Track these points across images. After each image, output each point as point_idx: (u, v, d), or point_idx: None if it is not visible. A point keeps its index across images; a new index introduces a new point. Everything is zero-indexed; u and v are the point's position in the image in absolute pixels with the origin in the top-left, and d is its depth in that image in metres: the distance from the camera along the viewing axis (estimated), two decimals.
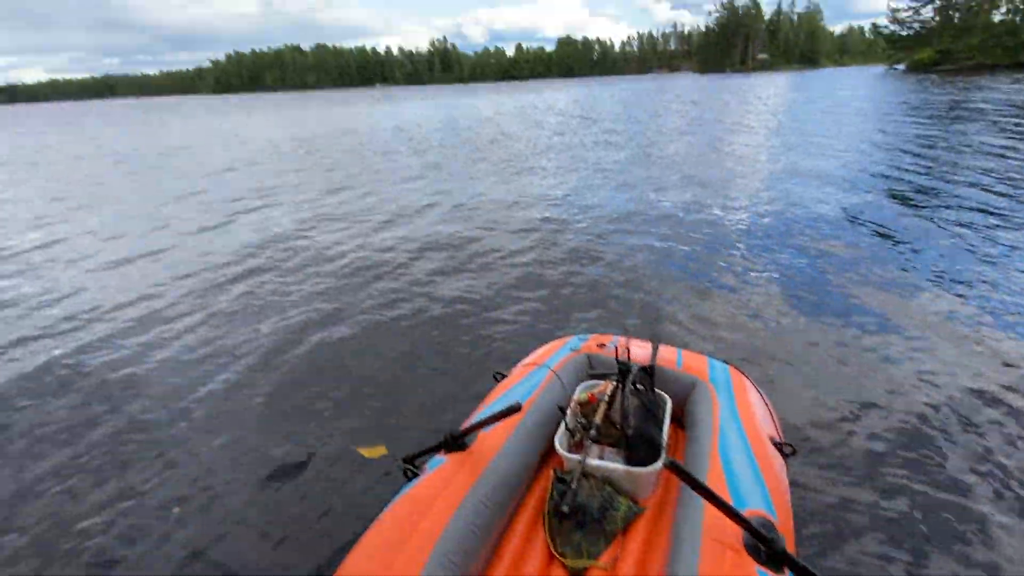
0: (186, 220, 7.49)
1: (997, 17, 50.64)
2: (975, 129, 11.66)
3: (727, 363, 2.03)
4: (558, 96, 42.02)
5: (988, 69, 42.95)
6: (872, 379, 2.86)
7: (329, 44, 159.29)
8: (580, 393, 1.82)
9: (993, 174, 7.42)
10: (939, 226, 5.54)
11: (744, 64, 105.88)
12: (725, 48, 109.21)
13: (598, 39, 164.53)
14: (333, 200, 8.15)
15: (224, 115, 39.14)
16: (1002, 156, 8.62)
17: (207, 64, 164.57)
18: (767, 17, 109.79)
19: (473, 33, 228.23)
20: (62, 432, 2.82)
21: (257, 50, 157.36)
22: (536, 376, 1.87)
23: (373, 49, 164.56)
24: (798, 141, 12.31)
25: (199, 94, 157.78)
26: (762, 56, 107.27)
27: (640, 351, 1.97)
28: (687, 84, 53.76)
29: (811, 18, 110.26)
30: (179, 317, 4.18)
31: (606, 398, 1.70)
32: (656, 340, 2.04)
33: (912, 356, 3.10)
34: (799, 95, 29.08)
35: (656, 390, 1.78)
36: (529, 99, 38.87)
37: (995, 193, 6.47)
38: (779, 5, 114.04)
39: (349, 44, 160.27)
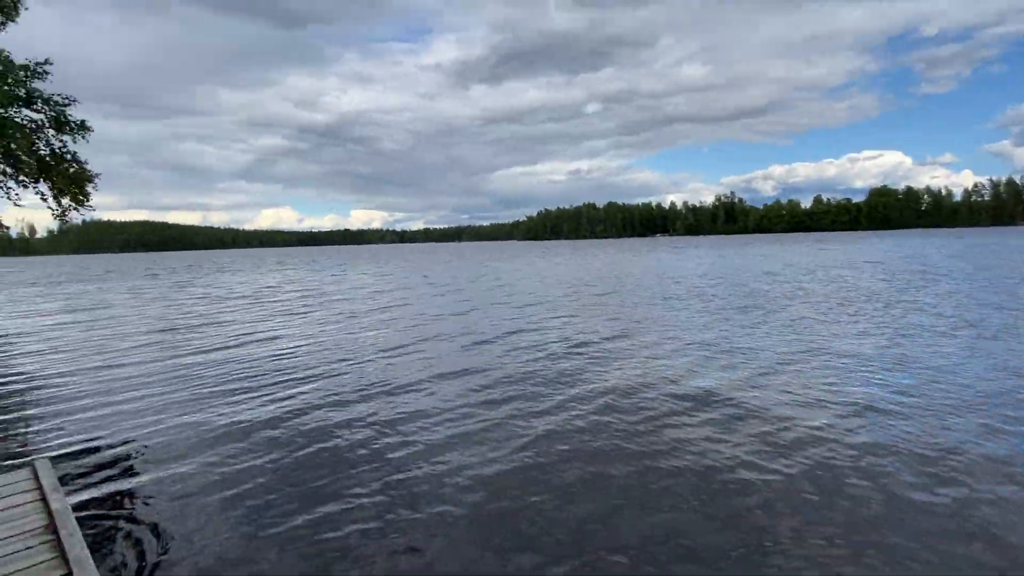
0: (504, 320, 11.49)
1: None
2: None
3: None
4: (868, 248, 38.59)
5: None
6: None
7: (619, 201, 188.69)
8: None
9: None
10: None
11: None
12: None
13: (928, 187, 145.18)
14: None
15: (527, 253, 56.67)
16: None
17: (523, 218, 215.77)
18: None
19: (763, 187, 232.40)
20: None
21: (561, 207, 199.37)
22: None
23: (658, 204, 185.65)
24: None
25: (513, 239, 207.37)
26: None
27: None
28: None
29: None
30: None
31: None
32: None
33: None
34: None
35: None
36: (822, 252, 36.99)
37: None
38: None
39: (637, 201, 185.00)
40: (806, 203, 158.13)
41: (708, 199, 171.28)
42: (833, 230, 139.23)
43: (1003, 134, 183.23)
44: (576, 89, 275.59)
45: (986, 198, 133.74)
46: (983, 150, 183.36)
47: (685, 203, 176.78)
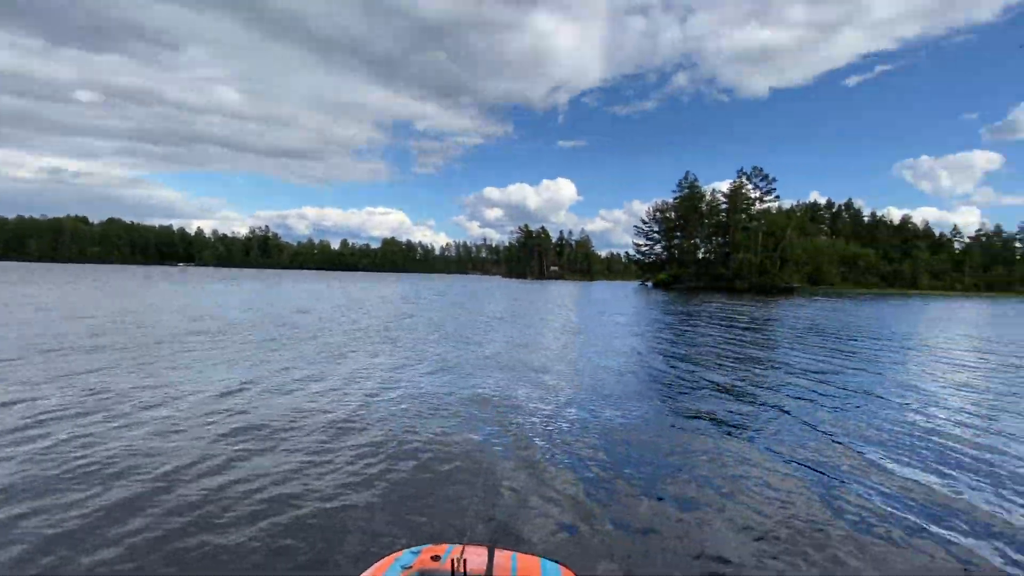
0: None
1: (701, 255, 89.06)
2: (700, 325, 20.80)
3: (559, 564, 2.25)
4: (389, 289, 47.45)
5: (703, 288, 71.03)
6: (690, 558, 3.39)
7: (127, 219, 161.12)
8: None
9: (719, 359, 12.30)
10: (705, 398, 8.12)
11: (541, 273, 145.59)
12: (526, 259, 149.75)
13: (420, 242, 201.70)
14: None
15: None
16: (716, 339, 15.75)
17: None
18: (554, 240, 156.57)
19: (298, 225, 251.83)
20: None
21: (29, 216, 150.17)
22: None
23: (182, 229, 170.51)
24: (592, 335, 16.47)
25: None
26: (554, 268, 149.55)
27: (476, 559, 2.10)
28: (498, 284, 72.96)
29: (584, 244, 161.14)
30: None
31: None
32: (492, 545, 2.21)
33: (730, 524, 3.91)
34: (584, 295, 47.09)
35: None
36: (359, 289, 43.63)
37: (726, 372, 10.59)
38: (561, 233, 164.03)
39: (153, 222, 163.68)
40: (335, 244, 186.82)
41: (242, 231, 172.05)
42: (356, 270, 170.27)
43: (461, 211, 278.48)
44: (61, 65, 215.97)
45: (454, 254, 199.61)
46: (451, 220, 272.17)
47: (215, 232, 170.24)
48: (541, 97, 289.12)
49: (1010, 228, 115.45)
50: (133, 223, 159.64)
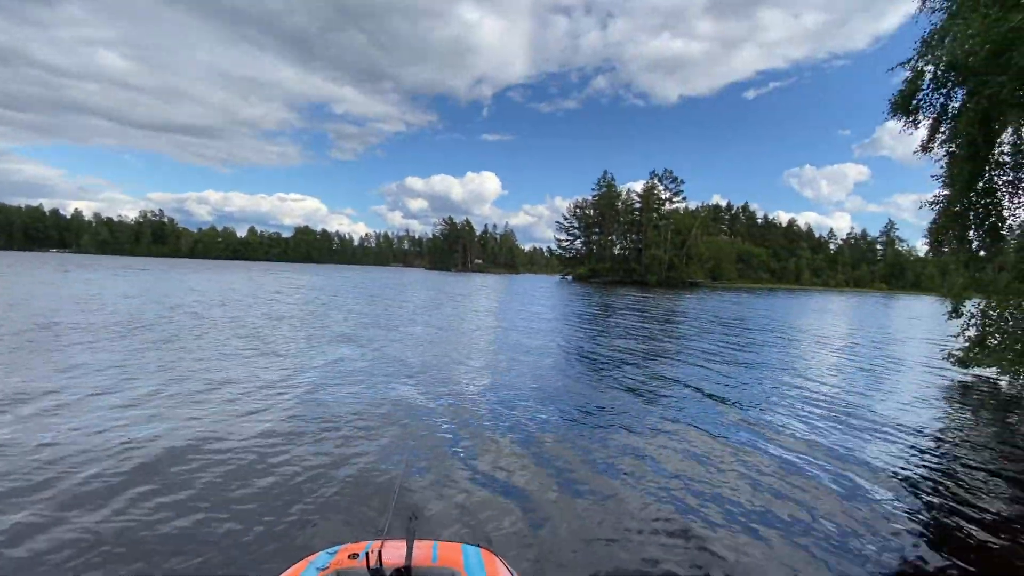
0: None
1: (617, 251, 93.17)
2: (618, 314, 23.59)
3: (480, 547, 2.30)
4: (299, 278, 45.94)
5: (618, 282, 78.85)
6: (607, 546, 3.51)
7: None
8: None
9: (636, 340, 14.16)
10: (615, 388, 8.39)
11: (464, 265, 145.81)
12: (449, 252, 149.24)
13: (337, 232, 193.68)
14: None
15: None
16: (630, 333, 16.34)
17: None
18: (478, 233, 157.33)
19: (198, 210, 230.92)
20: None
21: None
22: None
23: (55, 211, 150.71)
24: (514, 321, 17.69)
25: None
26: (478, 261, 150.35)
27: (396, 552, 2.06)
28: (421, 276, 74.56)
29: (508, 238, 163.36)
30: None
31: None
32: (411, 536, 2.10)
33: (645, 513, 4.05)
34: (508, 287, 49.93)
35: None
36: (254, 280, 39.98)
37: (635, 358, 11.39)
38: (485, 226, 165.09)
39: (18, 201, 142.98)
40: (242, 232, 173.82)
41: (131, 214, 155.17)
42: (266, 260, 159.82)
43: (382, 200, 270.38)
44: None
45: (373, 245, 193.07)
46: (371, 209, 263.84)
47: (97, 215, 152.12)
48: (465, 88, 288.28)
49: (873, 232, 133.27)
50: None
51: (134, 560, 3.31)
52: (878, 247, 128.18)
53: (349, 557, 2.13)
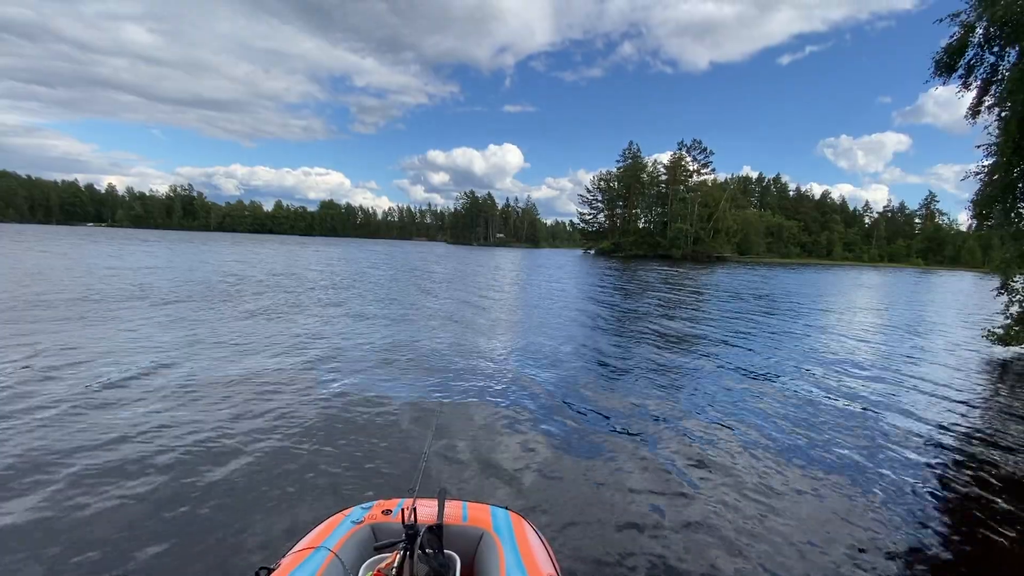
0: None
1: (641, 224, 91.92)
2: (642, 288, 23.09)
3: (508, 509, 2.34)
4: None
5: (642, 256, 76.81)
6: (630, 509, 3.60)
7: (22, 173, 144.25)
8: (366, 573, 1.87)
9: (660, 317, 13.56)
10: (648, 360, 8.25)
11: (486, 239, 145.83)
12: (470, 226, 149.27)
13: (361, 206, 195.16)
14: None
15: None
16: (656, 307, 16.15)
17: None
18: (500, 207, 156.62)
19: (226, 184, 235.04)
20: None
21: None
22: (313, 562, 1.84)
23: (90, 186, 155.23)
24: (539, 298, 17.06)
25: None
26: (499, 235, 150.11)
27: (427, 510, 2.15)
28: (444, 251, 75.14)
29: (530, 212, 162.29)
30: None
31: (393, 573, 1.79)
32: (442, 496, 2.21)
33: (662, 484, 4.04)
34: (531, 262, 48.94)
35: (445, 551, 1.97)
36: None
37: (660, 331, 11.40)
38: (507, 200, 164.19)
39: (54, 177, 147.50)
40: (268, 207, 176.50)
41: (161, 188, 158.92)
42: (292, 234, 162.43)
43: (404, 174, 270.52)
44: None
45: (396, 219, 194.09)
46: (394, 183, 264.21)
47: (130, 189, 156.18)
48: (487, 58, 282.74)
49: (912, 205, 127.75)
50: (30, 177, 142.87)
51: (175, 507, 3.54)
52: (916, 220, 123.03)
53: (383, 512, 2.22)
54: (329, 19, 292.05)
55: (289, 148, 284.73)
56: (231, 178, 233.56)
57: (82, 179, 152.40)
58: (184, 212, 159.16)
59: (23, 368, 6.51)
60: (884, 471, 4.89)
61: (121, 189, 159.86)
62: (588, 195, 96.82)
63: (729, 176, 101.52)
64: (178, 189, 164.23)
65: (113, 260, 24.30)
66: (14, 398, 5.52)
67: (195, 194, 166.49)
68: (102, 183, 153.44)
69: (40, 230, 77.94)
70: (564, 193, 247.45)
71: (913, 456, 5.33)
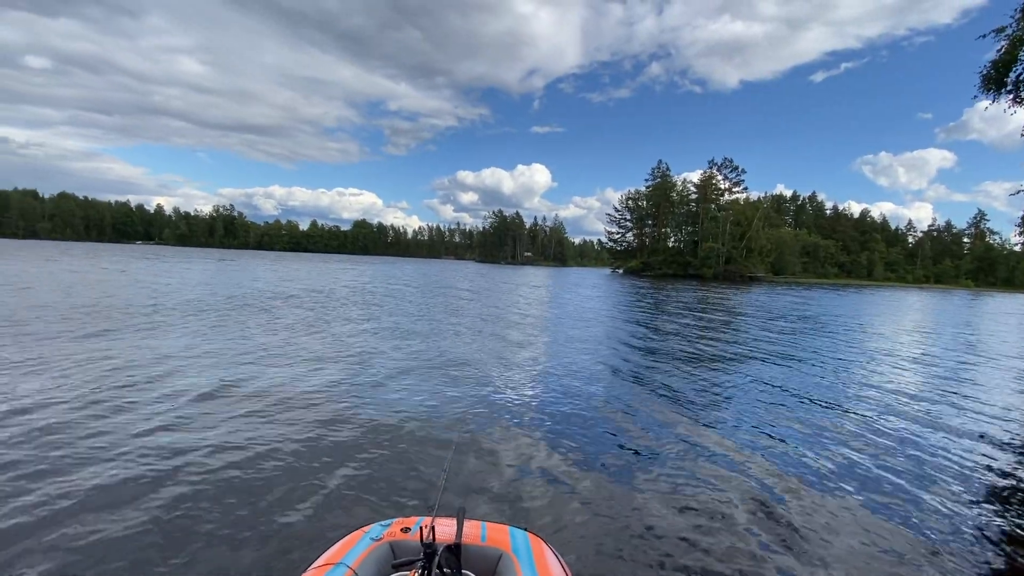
0: None
1: (671, 243, 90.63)
2: (674, 307, 22.49)
3: (527, 531, 2.31)
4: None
5: (672, 276, 74.29)
6: (657, 537, 3.36)
7: (80, 194, 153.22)
8: None
9: (687, 339, 12.81)
10: (683, 381, 7.97)
11: (514, 258, 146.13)
12: (498, 245, 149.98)
13: (392, 225, 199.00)
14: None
15: None
16: (688, 326, 15.67)
17: None
18: (528, 226, 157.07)
19: (265, 204, 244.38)
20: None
21: None
22: None
23: (140, 206, 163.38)
24: (567, 316, 16.89)
25: None
26: (527, 254, 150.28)
27: (446, 529, 2.11)
28: (473, 269, 73.36)
29: (557, 231, 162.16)
30: None
31: None
32: (461, 515, 2.14)
33: (685, 502, 3.91)
34: (558, 280, 48.61)
35: (464, 571, 1.96)
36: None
37: (693, 350, 11.09)
38: (535, 219, 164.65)
39: (109, 198, 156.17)
40: (304, 226, 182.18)
41: (205, 209, 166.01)
42: (326, 252, 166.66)
43: (434, 194, 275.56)
44: (9, 28, 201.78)
45: (426, 237, 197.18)
46: (424, 203, 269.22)
47: (176, 209, 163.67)
48: (516, 81, 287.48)
49: (960, 224, 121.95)
50: (87, 198, 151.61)
51: (194, 524, 3.44)
52: (964, 240, 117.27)
53: (402, 530, 2.21)
54: (366, 48, 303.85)
55: (325, 169, 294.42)
56: (270, 198, 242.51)
57: (133, 200, 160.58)
58: (225, 231, 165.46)
59: (92, 379, 6.73)
60: (942, 508, 4.38)
61: (168, 209, 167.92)
62: (616, 214, 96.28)
63: (762, 194, 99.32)
64: (220, 209, 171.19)
65: (167, 277, 25.29)
66: (87, 402, 5.77)
67: (236, 214, 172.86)
68: (151, 204, 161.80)
69: (96, 247, 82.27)
70: (592, 212, 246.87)
71: (971, 495, 4.80)
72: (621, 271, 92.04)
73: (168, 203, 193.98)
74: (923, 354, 13.59)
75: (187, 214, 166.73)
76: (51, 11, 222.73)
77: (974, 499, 4.61)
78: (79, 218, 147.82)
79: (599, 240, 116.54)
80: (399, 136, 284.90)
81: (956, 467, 5.37)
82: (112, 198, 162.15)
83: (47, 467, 4.12)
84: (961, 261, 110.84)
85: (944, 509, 4.39)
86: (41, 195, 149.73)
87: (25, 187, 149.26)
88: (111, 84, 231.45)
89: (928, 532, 3.97)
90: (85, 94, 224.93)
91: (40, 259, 35.98)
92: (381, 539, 2.16)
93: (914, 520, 4.12)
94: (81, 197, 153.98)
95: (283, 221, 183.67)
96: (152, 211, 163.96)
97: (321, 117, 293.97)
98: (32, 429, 4.87)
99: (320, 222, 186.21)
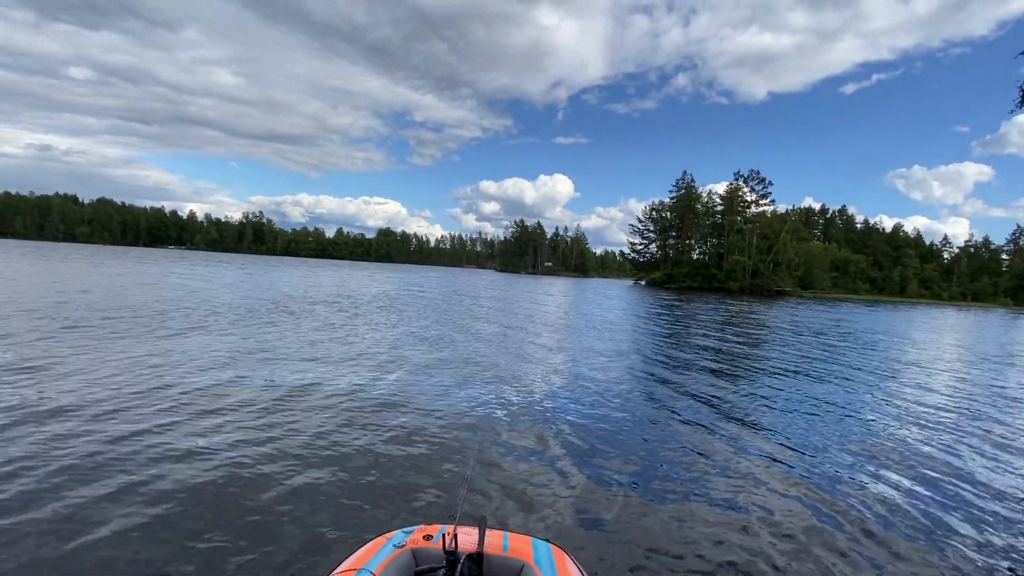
0: None
1: (695, 255, 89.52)
2: (701, 321, 21.97)
3: (549, 542, 2.29)
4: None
5: (696, 289, 72.86)
6: (682, 554, 3.31)
7: (118, 200, 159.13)
8: None
9: (717, 352, 12.65)
10: (704, 394, 7.87)
11: (535, 268, 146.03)
12: (520, 254, 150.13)
13: (415, 234, 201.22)
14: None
15: None
16: (708, 338, 15.45)
17: None
18: (549, 236, 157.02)
19: (292, 212, 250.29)
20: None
21: (15, 192, 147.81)
22: None
23: (174, 212, 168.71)
24: (590, 327, 16.59)
25: None
26: (548, 264, 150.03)
27: (468, 538, 2.13)
28: (494, 278, 74.80)
29: (579, 241, 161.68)
30: None
31: None
32: (483, 524, 2.16)
33: (712, 515, 3.84)
34: (579, 291, 47.97)
35: None
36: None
37: (723, 365, 10.74)
38: (556, 229, 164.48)
39: (145, 203, 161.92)
40: (330, 233, 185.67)
41: (235, 215, 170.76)
42: (350, 259, 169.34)
43: (457, 203, 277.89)
44: (53, 40, 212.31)
45: (448, 246, 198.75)
46: (447, 212, 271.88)
47: (208, 216, 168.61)
48: (541, 92, 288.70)
49: (998, 240, 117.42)
50: (124, 204, 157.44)
51: (216, 527, 3.42)
52: (1003, 256, 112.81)
53: (424, 538, 2.19)
54: (393, 59, 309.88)
55: (351, 178, 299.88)
56: (298, 206, 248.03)
57: (168, 206, 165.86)
58: (254, 237, 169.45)
59: (129, 374, 7.07)
60: (978, 538, 4.12)
61: (200, 216, 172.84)
62: (639, 225, 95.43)
63: (790, 207, 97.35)
64: (250, 216, 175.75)
65: (201, 282, 25.72)
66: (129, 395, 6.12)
67: (264, 221, 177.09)
68: (184, 210, 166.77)
69: (131, 251, 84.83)
70: (614, 223, 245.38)
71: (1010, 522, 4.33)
72: (644, 283, 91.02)
73: (200, 209, 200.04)
74: (966, 374, 12.98)
75: (218, 220, 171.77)
76: (93, 24, 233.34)
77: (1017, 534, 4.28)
78: (116, 222, 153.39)
79: (621, 251, 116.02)
80: (424, 146, 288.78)
81: (1008, 496, 5.03)
82: (148, 204, 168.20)
83: (115, 447, 4.48)
84: (1000, 279, 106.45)
85: (998, 541, 4.12)
86: (81, 200, 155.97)
87: (66, 192, 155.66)
88: (149, 94, 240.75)
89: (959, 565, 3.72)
90: (125, 104, 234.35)
91: (86, 263, 37.29)
92: (403, 546, 2.15)
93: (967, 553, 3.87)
94: (119, 202, 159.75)
95: (310, 228, 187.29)
96: (185, 217, 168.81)
97: (348, 127, 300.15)
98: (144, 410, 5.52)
99: (346, 230, 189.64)
